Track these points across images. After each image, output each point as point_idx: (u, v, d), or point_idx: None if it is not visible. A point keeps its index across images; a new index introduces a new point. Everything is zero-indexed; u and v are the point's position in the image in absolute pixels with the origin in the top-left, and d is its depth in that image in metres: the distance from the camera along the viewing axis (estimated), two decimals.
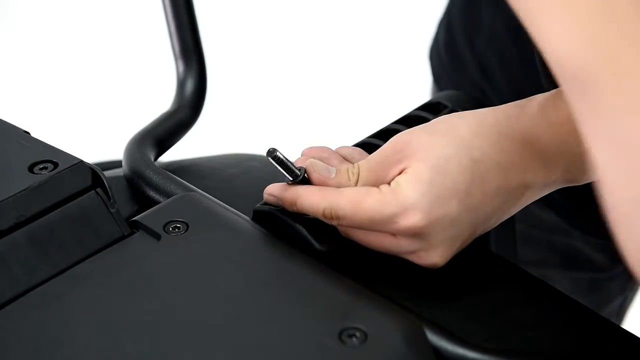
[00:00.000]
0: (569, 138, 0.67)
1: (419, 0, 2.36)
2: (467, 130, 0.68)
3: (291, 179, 0.70)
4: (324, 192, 0.68)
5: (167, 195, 0.75)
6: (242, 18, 2.63)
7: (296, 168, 0.70)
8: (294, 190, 0.69)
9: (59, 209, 0.68)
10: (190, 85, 0.91)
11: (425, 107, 0.82)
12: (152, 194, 0.77)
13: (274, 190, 0.71)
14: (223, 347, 0.61)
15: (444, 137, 0.68)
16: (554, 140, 0.68)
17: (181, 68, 0.92)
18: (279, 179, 0.71)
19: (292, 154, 0.73)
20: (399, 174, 0.68)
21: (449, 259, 0.69)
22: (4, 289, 0.65)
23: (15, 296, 0.65)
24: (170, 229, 0.69)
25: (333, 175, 0.69)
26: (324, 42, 2.56)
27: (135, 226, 0.70)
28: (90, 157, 0.78)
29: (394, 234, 0.68)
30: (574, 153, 0.68)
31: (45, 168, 0.69)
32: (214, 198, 0.74)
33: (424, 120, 0.77)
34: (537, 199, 0.70)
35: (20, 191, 0.67)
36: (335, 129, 2.10)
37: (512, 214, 0.70)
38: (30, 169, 0.69)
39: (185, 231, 0.69)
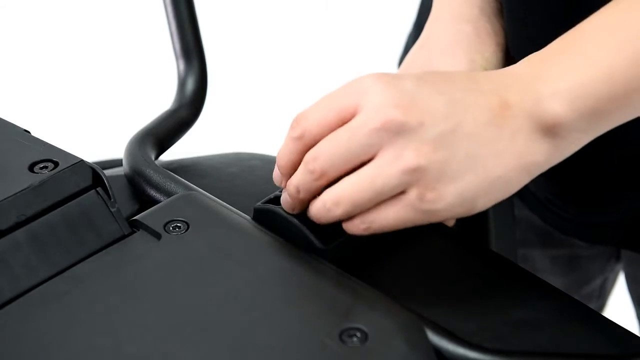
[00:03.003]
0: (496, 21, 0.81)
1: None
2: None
3: None
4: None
5: (167, 194, 0.75)
6: (243, 17, 2.63)
7: None
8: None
9: (59, 209, 0.68)
10: (191, 84, 0.90)
11: None
12: (153, 193, 0.76)
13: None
14: (223, 346, 0.61)
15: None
16: (484, 22, 0.80)
17: (182, 67, 0.92)
18: None
19: None
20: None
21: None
22: (4, 288, 0.64)
23: (15, 296, 0.65)
24: (171, 228, 0.69)
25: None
26: (326, 41, 2.56)
27: (136, 225, 0.70)
28: (91, 156, 0.78)
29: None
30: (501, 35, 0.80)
31: (46, 167, 0.69)
32: (214, 197, 0.74)
33: None
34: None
35: (21, 190, 0.67)
36: None
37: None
38: (31, 168, 0.69)
39: (186, 230, 0.69)
